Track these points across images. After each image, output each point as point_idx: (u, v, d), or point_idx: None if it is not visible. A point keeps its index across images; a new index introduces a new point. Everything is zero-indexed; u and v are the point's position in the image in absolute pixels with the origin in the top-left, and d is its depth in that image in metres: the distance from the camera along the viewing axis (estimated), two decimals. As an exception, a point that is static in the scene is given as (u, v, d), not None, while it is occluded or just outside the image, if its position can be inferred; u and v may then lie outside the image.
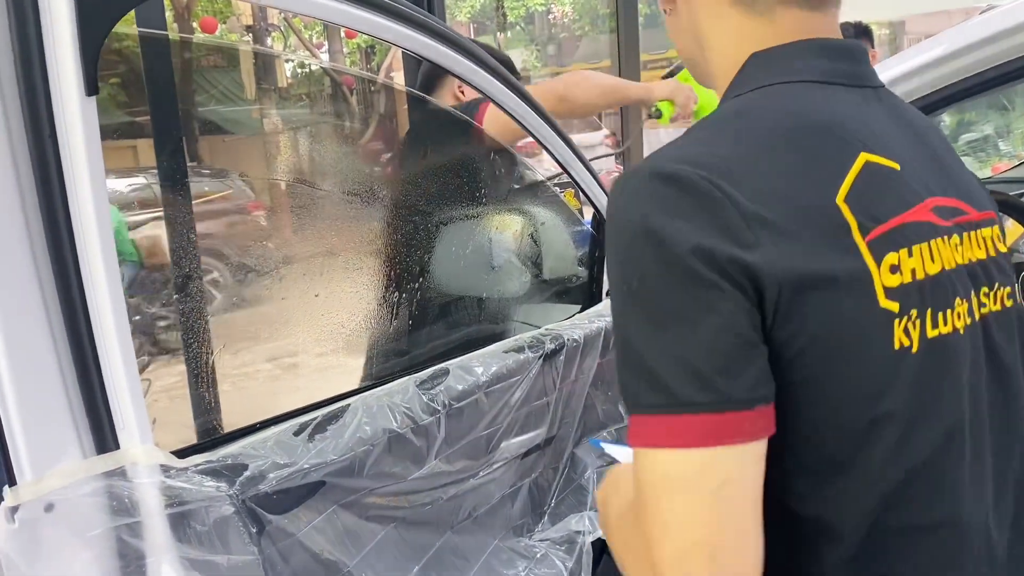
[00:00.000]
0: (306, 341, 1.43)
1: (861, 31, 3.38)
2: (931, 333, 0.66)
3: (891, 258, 0.65)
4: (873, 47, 3.43)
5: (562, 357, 1.44)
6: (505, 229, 1.69)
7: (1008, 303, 0.76)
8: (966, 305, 0.70)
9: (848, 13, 3.84)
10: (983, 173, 5.37)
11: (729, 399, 0.60)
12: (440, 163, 1.65)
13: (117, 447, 0.87)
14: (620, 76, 5.33)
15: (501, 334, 1.52)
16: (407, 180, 1.74)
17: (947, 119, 5.22)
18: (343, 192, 1.86)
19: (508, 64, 2.40)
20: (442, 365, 1.29)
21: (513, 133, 1.71)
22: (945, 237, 0.70)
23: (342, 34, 13.81)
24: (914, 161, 0.71)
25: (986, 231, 0.75)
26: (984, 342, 0.72)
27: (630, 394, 0.63)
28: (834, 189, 0.65)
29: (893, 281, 0.65)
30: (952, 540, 0.69)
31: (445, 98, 2.29)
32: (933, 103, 1.56)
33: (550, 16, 15.35)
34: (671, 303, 0.61)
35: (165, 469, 0.89)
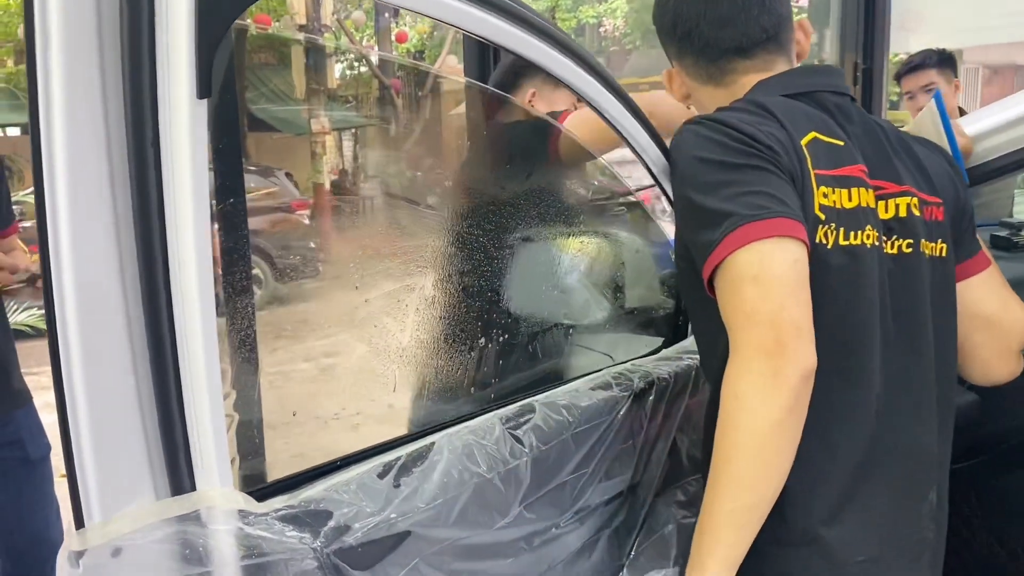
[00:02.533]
0: (374, 373, 1.33)
1: (944, 59, 3.23)
2: (842, 242, 1.09)
3: (824, 189, 1.09)
4: (956, 76, 3.28)
5: (651, 397, 1.34)
6: (587, 251, 1.59)
7: (907, 251, 1.16)
8: (875, 234, 1.12)
9: (910, 42, 3.67)
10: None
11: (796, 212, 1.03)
12: (512, 174, 1.55)
13: (193, 488, 0.78)
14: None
15: (580, 367, 1.41)
16: (476, 192, 1.64)
17: None
18: (409, 204, 1.77)
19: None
20: (528, 401, 1.19)
21: (596, 144, 1.61)
22: (867, 189, 1.13)
23: (392, 37, 13.84)
24: (853, 146, 1.16)
25: (901, 200, 1.16)
26: (891, 268, 1.14)
27: (719, 227, 1.02)
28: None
29: (824, 202, 1.08)
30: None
31: (516, 111, 2.20)
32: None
33: (601, 29, 15.26)
34: None
35: (243, 514, 0.79)
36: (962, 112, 3.22)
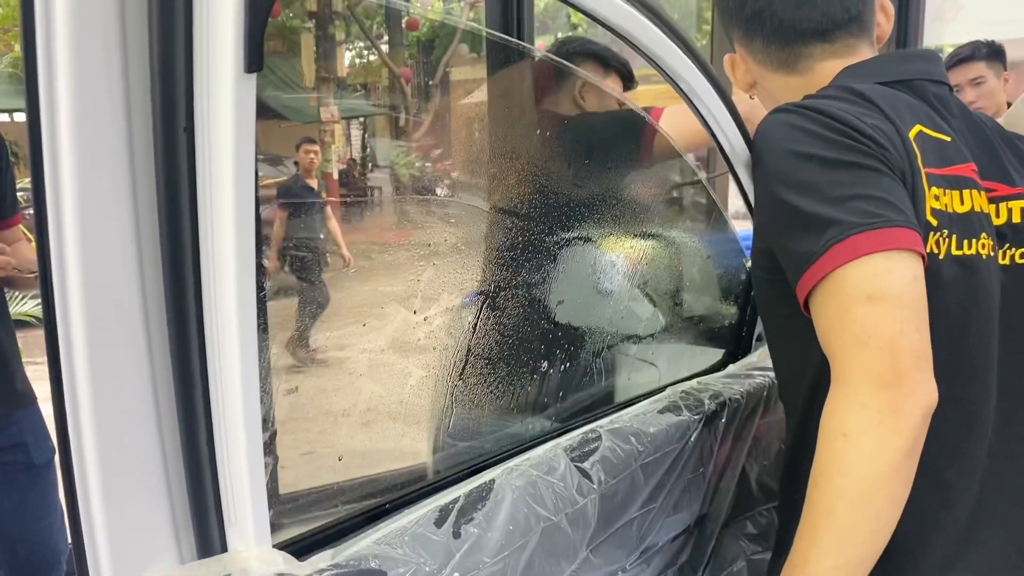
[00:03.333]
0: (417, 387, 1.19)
1: (994, 51, 3.07)
2: (955, 252, 0.94)
3: (936, 190, 0.93)
4: (1006, 68, 3.12)
5: (722, 420, 1.20)
6: (645, 254, 1.44)
7: (1020, 261, 1.01)
8: (990, 243, 0.97)
9: (944, 33, 3.50)
10: None
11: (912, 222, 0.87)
12: (581, 171, 1.41)
13: (224, 549, 0.64)
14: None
15: (642, 385, 1.27)
16: (532, 190, 1.50)
17: None
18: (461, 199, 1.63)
19: (628, 68, 2.16)
20: (592, 427, 1.05)
21: (690, 141, 1.47)
22: (980, 192, 0.98)
23: (403, 25, 13.64)
24: (962, 142, 1.01)
25: (1015, 203, 1.02)
26: (1004, 281, 0.99)
27: (822, 237, 0.85)
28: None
29: (936, 204, 0.93)
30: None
31: (563, 103, 2.06)
32: None
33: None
34: None
35: (284, 578, 0.66)
36: (1009, 107, 3.07)
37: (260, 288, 0.68)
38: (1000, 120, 1.29)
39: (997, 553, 0.98)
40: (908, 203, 0.91)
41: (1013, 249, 1.03)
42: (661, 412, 1.14)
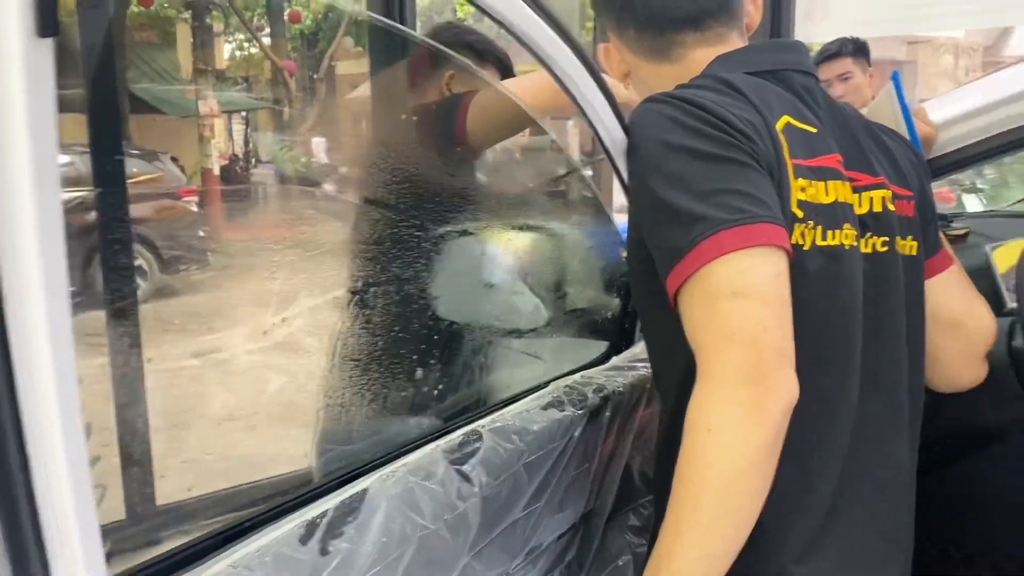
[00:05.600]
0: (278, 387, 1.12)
1: (859, 48, 3.22)
2: (820, 243, 0.95)
3: (801, 181, 0.95)
4: (870, 64, 3.27)
5: (607, 413, 1.18)
6: (522, 245, 1.42)
7: (882, 250, 1.04)
8: (853, 232, 0.98)
9: (816, 32, 3.65)
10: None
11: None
12: (430, 160, 1.37)
13: (47, 584, 0.57)
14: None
15: (524, 380, 1.24)
16: (389, 180, 1.45)
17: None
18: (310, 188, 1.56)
19: (506, 59, 2.12)
20: (473, 428, 1.01)
21: (506, 126, 1.46)
22: (843, 183, 0.99)
23: (286, 18, 13.26)
24: (828, 132, 1.02)
25: (876, 193, 1.04)
26: (867, 269, 1.01)
27: (690, 232, 0.86)
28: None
29: (802, 196, 0.94)
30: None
31: (430, 93, 2.01)
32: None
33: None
34: None
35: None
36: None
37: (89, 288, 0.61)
38: (864, 111, 1.32)
39: (860, 537, 1.00)
40: (774, 196, 0.92)
41: (875, 238, 1.05)
42: (544, 408, 1.11)
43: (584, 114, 1.00)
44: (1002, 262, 1.89)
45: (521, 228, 1.41)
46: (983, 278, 1.93)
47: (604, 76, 1.09)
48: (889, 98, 1.26)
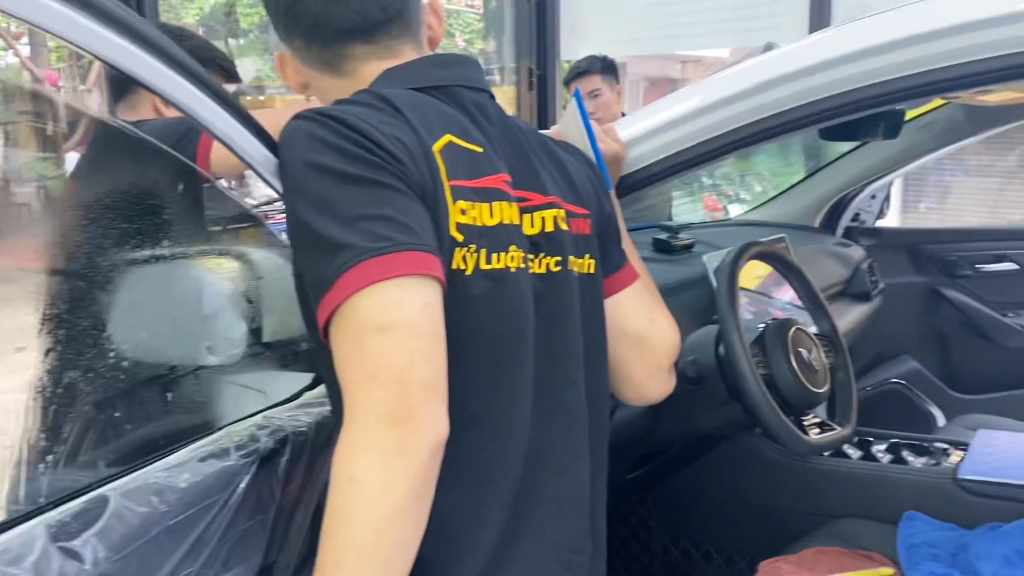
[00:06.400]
0: None
1: (608, 65, 3.35)
2: (484, 266, 0.92)
3: (462, 204, 0.91)
4: (618, 82, 3.40)
5: (285, 457, 1.09)
6: (207, 278, 1.30)
7: (555, 269, 1.03)
8: (520, 254, 0.97)
9: (576, 50, 3.81)
10: (695, 206, 5.72)
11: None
12: (117, 192, 1.23)
13: None
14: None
15: (201, 426, 1.12)
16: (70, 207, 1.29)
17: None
18: None
19: (230, 65, 1.98)
20: (98, 493, 0.88)
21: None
22: (510, 203, 0.97)
23: (44, 24, 12.15)
24: (495, 152, 0.99)
25: (548, 212, 1.03)
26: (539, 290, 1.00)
27: (334, 262, 0.81)
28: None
29: (462, 219, 0.90)
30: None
31: (141, 109, 1.84)
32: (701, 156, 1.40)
33: (288, 27, 14.62)
34: None
35: None
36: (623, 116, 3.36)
37: None
38: (553, 130, 1.32)
39: (536, 564, 0.97)
40: (426, 222, 0.87)
41: (548, 258, 1.03)
42: (203, 460, 1.00)
43: (216, 137, 0.91)
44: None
45: (206, 254, 1.30)
46: (704, 286, 2.02)
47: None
48: (573, 117, 1.26)
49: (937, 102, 2.36)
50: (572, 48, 4.82)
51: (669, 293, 1.91)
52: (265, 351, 1.26)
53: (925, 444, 1.95)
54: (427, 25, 1.10)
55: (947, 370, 2.86)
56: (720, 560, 2.10)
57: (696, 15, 4.64)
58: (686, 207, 5.68)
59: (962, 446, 1.90)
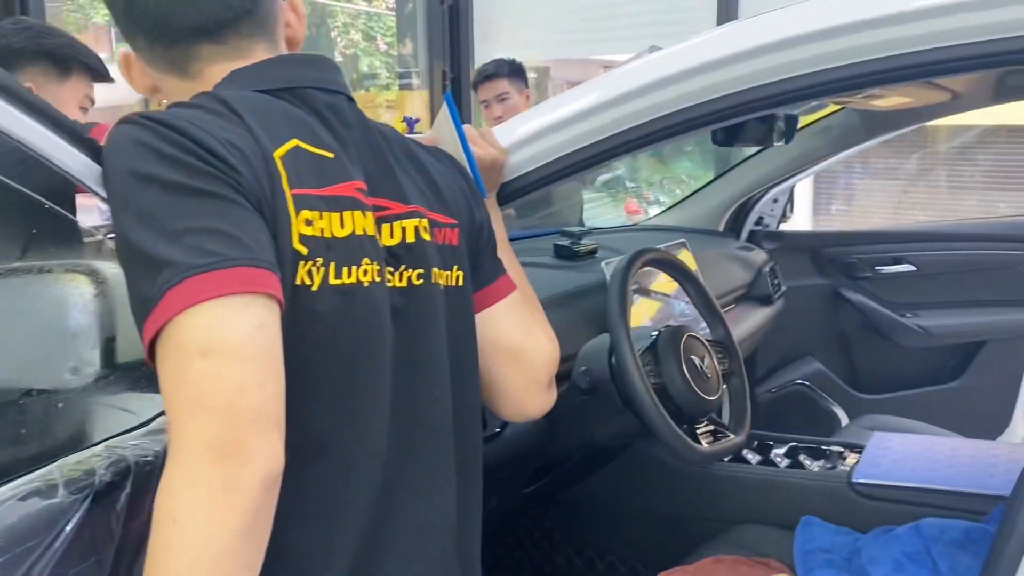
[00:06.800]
0: None
1: (515, 69, 3.30)
2: (333, 281, 0.85)
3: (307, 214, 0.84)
4: (527, 85, 3.36)
5: (126, 491, 1.00)
6: (55, 294, 1.20)
7: (417, 283, 0.96)
8: (376, 267, 0.89)
9: (491, 53, 3.77)
10: (616, 210, 5.75)
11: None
12: None
13: None
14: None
15: (28, 460, 1.02)
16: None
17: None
18: None
19: (97, 63, 1.86)
20: None
21: None
22: (364, 213, 0.90)
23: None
24: (348, 158, 0.92)
25: (409, 222, 0.97)
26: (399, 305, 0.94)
27: (157, 279, 0.73)
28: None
29: (307, 231, 0.83)
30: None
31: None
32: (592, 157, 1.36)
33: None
34: None
35: None
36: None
37: None
38: (427, 135, 1.26)
39: None
40: (263, 235, 0.80)
41: (410, 271, 0.97)
42: (24, 499, 0.90)
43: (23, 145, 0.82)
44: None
45: (52, 270, 1.19)
46: (603, 294, 1.98)
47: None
48: (446, 121, 1.20)
49: (832, 107, 2.39)
50: (486, 52, 4.77)
51: (568, 300, 1.89)
52: (115, 374, 1.16)
53: (823, 447, 1.96)
54: (285, 23, 1.03)
55: (850, 370, 2.90)
56: (624, 570, 2.07)
57: (612, 20, 4.67)
58: (608, 210, 5.70)
59: (858, 449, 1.91)
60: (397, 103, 5.72)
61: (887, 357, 2.84)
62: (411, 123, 1.30)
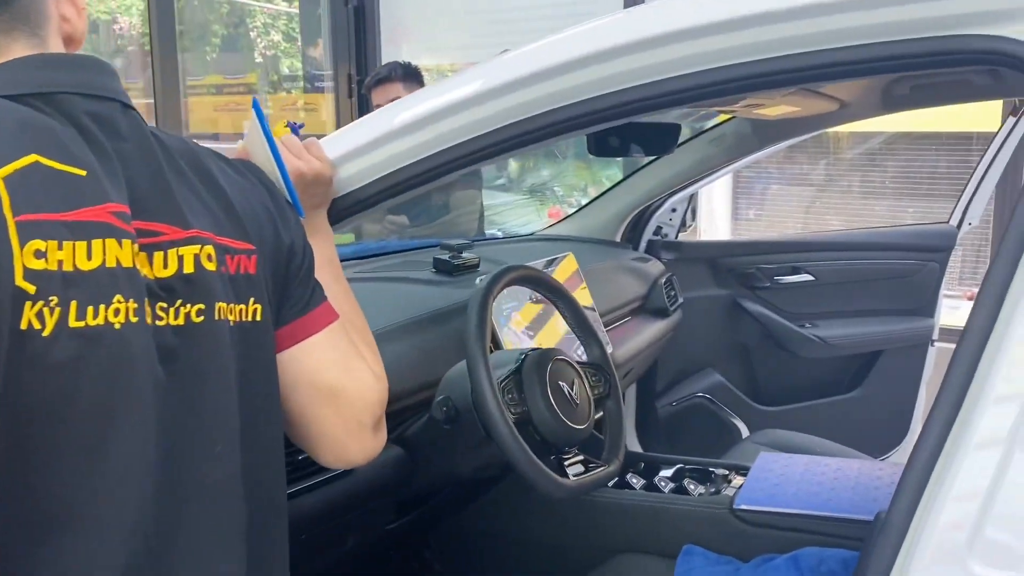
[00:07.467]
0: None
1: (410, 73, 3.17)
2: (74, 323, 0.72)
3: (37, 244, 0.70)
4: (423, 91, 3.23)
5: None
6: None
7: (197, 319, 0.84)
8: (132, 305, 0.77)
9: (398, 56, 3.63)
10: (541, 215, 5.66)
11: None
12: None
13: None
14: (155, 102, 4.64)
15: None
16: None
17: (512, 164, 5.41)
18: None
19: None
20: None
21: None
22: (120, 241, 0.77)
23: None
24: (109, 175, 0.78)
25: (187, 249, 0.84)
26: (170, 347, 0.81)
27: None
28: None
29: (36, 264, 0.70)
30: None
31: None
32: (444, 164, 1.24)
33: (116, 27, 13.75)
34: None
35: None
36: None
37: None
38: (240, 145, 1.13)
39: None
40: None
41: (187, 306, 0.84)
42: None
43: None
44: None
45: None
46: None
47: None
48: (256, 131, 1.07)
49: (723, 116, 2.33)
50: (393, 54, 4.63)
51: (440, 319, 1.76)
52: None
53: (710, 470, 1.88)
54: (61, 17, 0.88)
55: (750, 382, 2.85)
56: (507, 603, 1.96)
57: (522, 23, 4.58)
58: (532, 216, 5.60)
59: (744, 471, 1.83)
60: (316, 106, 5.55)
61: (787, 368, 2.79)
62: (295, 128, 1.16)
